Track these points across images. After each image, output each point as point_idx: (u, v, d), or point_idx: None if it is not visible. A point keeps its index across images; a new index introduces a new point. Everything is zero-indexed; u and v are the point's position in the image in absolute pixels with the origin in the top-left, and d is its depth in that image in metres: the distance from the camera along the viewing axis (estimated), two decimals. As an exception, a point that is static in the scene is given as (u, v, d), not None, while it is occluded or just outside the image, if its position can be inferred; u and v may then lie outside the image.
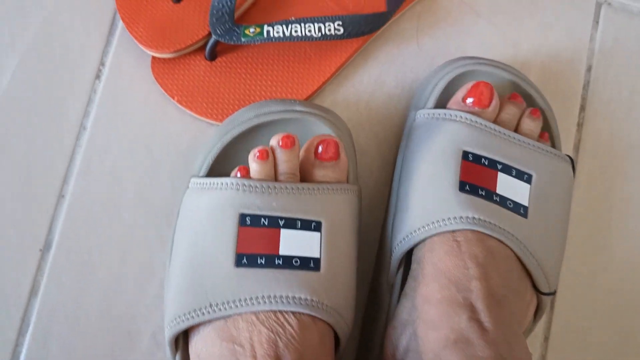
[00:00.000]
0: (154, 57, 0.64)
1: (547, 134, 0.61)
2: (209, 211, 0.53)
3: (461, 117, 0.57)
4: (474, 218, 0.52)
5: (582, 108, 0.69)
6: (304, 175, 0.56)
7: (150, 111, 0.66)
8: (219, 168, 0.58)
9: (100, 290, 0.62)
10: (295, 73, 0.65)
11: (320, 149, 0.55)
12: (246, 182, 0.53)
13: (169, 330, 0.52)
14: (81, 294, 0.62)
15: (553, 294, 0.56)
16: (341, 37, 0.60)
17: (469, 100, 0.58)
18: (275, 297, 0.49)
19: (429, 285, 0.52)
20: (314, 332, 0.50)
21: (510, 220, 0.54)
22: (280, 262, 0.51)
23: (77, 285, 0.62)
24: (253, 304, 0.49)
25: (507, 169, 0.56)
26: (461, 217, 0.53)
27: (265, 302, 0.49)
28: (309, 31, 0.59)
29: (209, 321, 0.51)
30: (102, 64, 0.67)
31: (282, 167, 0.54)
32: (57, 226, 0.63)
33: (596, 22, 0.71)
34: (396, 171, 0.61)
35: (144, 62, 0.66)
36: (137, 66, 0.67)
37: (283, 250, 0.51)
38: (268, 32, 0.59)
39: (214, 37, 0.61)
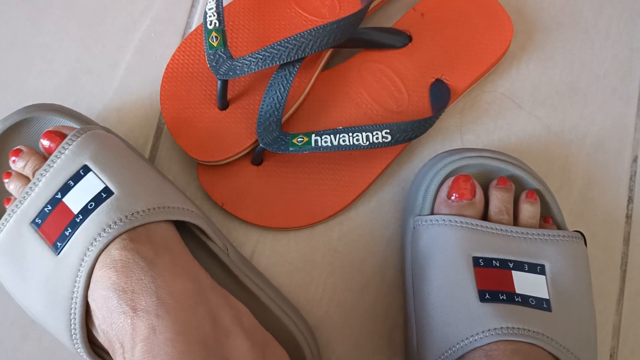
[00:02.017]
0: (199, 163, 0.65)
1: (550, 218, 0.61)
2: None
3: (461, 222, 0.57)
4: (502, 328, 0.52)
5: (630, 200, 0.68)
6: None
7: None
8: None
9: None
10: (342, 176, 0.65)
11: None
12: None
13: None
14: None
15: None
16: (389, 144, 0.60)
17: (454, 196, 0.59)
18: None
19: None
20: None
21: (537, 319, 0.53)
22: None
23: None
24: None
25: (519, 265, 0.56)
26: (489, 330, 0.52)
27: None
28: (357, 140, 0.59)
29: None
30: (148, 168, 0.67)
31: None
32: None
33: (640, 111, 0.71)
34: (407, 282, 0.61)
35: (190, 166, 0.67)
36: (183, 171, 0.67)
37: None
38: (316, 141, 0.60)
39: (261, 145, 0.61)
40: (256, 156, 0.63)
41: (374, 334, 0.64)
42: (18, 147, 0.57)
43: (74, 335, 0.52)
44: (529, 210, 0.59)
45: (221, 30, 0.62)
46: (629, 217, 0.68)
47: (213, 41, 0.62)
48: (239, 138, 0.63)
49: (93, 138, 0.56)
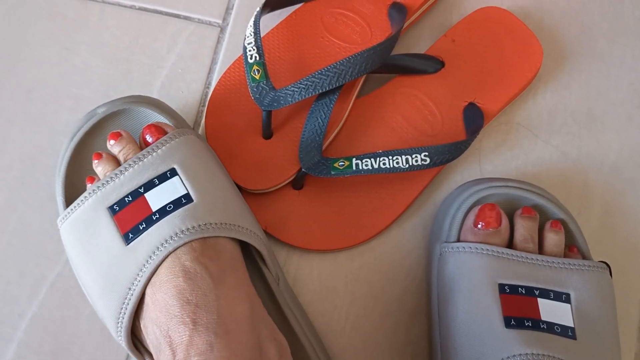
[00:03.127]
0: (244, 190, 0.66)
1: (576, 247, 0.61)
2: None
3: (487, 249, 0.58)
4: (527, 354, 0.52)
5: (651, 228, 0.69)
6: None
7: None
8: None
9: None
10: (381, 199, 0.66)
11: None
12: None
13: None
14: None
15: None
16: (427, 166, 0.61)
17: (480, 224, 0.60)
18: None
19: None
20: None
21: (562, 346, 0.53)
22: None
23: None
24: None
25: (545, 293, 0.56)
26: (514, 356, 0.52)
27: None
28: (397, 163, 0.61)
29: None
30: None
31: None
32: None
33: (658, 139, 0.72)
34: (433, 307, 0.61)
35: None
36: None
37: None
38: (357, 165, 0.61)
39: (303, 170, 0.63)
40: (297, 180, 0.65)
41: (397, 362, 0.64)
42: (119, 130, 0.58)
43: (119, 324, 0.52)
44: (553, 239, 0.60)
45: (262, 64, 0.63)
46: (652, 245, 0.68)
47: (255, 74, 0.63)
48: (285, 166, 0.65)
49: (185, 144, 0.58)
